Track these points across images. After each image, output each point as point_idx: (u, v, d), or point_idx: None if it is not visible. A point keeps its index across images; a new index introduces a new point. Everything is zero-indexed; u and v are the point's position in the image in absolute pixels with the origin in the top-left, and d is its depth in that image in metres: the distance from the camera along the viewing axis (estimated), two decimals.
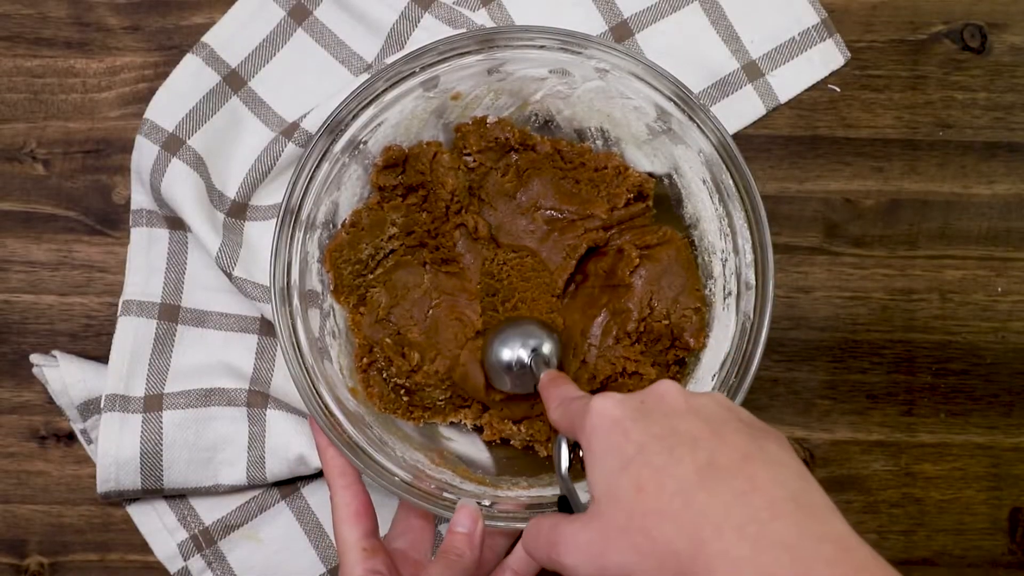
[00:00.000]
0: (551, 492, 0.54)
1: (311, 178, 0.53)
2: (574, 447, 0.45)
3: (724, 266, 0.56)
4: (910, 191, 0.63)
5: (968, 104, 0.64)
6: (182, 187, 0.59)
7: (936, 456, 0.62)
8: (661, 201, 0.60)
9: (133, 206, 0.61)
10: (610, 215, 0.59)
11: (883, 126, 0.63)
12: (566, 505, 0.44)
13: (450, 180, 0.57)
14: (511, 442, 0.58)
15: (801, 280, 0.63)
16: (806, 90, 0.63)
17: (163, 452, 0.58)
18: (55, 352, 0.61)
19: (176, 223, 0.61)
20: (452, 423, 0.59)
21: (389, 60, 0.61)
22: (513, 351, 0.55)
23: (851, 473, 0.62)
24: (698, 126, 0.53)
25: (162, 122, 0.60)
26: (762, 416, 0.62)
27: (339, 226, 0.58)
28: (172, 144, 0.59)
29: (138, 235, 0.61)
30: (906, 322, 0.63)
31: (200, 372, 0.60)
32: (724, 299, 0.56)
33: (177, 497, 0.61)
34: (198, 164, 0.60)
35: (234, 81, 0.62)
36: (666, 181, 0.59)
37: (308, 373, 0.52)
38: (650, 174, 0.59)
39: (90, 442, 0.61)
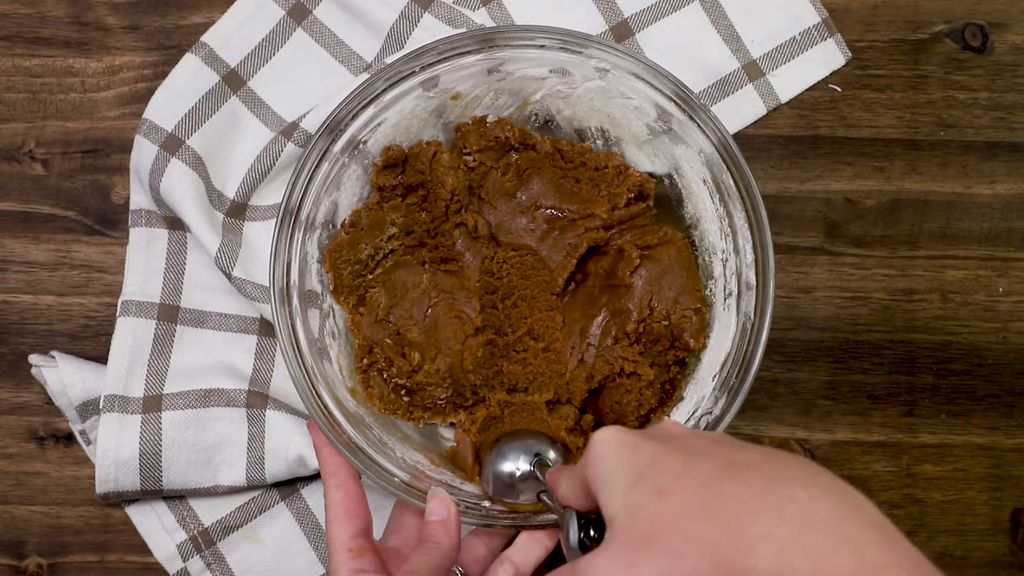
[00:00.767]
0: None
1: (310, 178, 0.53)
2: (584, 524, 0.43)
3: (725, 266, 0.56)
4: (911, 191, 0.63)
5: (969, 104, 0.63)
6: (181, 187, 0.59)
7: (937, 457, 0.62)
8: (661, 201, 0.59)
9: (132, 206, 0.61)
10: (610, 215, 0.58)
11: (884, 126, 0.63)
12: None
13: (450, 179, 0.57)
14: None
15: (802, 280, 0.63)
16: (807, 90, 0.63)
17: (162, 453, 0.58)
18: (54, 353, 0.61)
19: (175, 223, 0.61)
20: (452, 423, 0.59)
21: (389, 60, 0.61)
22: (515, 462, 0.53)
23: (852, 474, 0.62)
24: (699, 126, 0.53)
25: (161, 122, 0.60)
26: (763, 416, 0.62)
27: (339, 226, 0.57)
28: (171, 144, 0.59)
29: (137, 235, 0.61)
30: (907, 322, 0.63)
31: (199, 373, 0.60)
32: (724, 299, 0.56)
33: (176, 498, 0.60)
34: (197, 164, 0.60)
35: (233, 81, 0.62)
36: (666, 181, 0.59)
37: (307, 374, 0.52)
38: (650, 174, 0.59)
39: (89, 443, 0.60)
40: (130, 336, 0.60)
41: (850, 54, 0.63)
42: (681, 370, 0.58)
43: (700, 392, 0.55)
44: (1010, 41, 0.64)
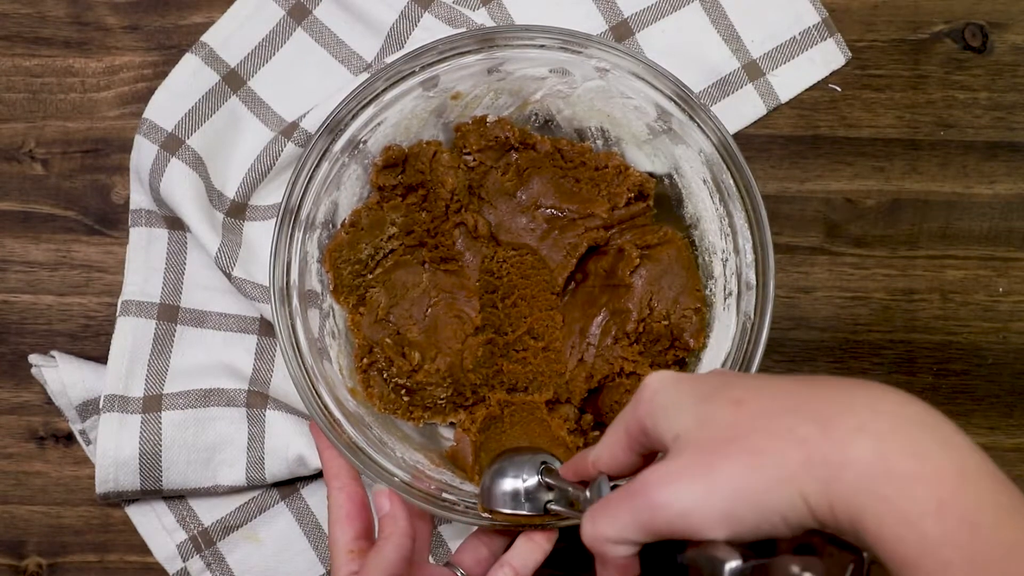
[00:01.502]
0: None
1: (310, 178, 0.53)
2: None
3: (725, 266, 0.56)
4: (911, 191, 0.63)
5: (969, 104, 0.63)
6: (181, 187, 0.59)
7: None
8: (661, 201, 0.59)
9: (132, 206, 0.61)
10: (610, 214, 0.58)
11: (884, 126, 0.63)
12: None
13: (450, 179, 0.57)
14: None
15: (802, 280, 0.63)
16: (807, 90, 0.63)
17: (162, 453, 0.58)
18: (54, 352, 0.61)
19: (175, 223, 0.61)
20: (452, 423, 0.59)
21: (389, 59, 0.61)
22: (517, 477, 0.50)
23: None
24: (698, 126, 0.53)
25: (161, 122, 0.60)
26: None
27: (338, 226, 0.57)
28: (171, 144, 0.59)
29: (137, 235, 0.61)
30: (907, 322, 0.63)
31: (199, 372, 0.60)
32: (725, 299, 0.56)
33: (176, 498, 0.60)
34: (197, 164, 0.60)
35: (233, 81, 0.62)
36: (666, 181, 0.59)
37: (307, 373, 0.52)
38: (650, 174, 0.59)
39: (89, 443, 0.60)
40: (130, 336, 0.60)
41: (850, 54, 0.63)
42: (681, 370, 0.58)
43: None
44: (1010, 41, 0.64)
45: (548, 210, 0.60)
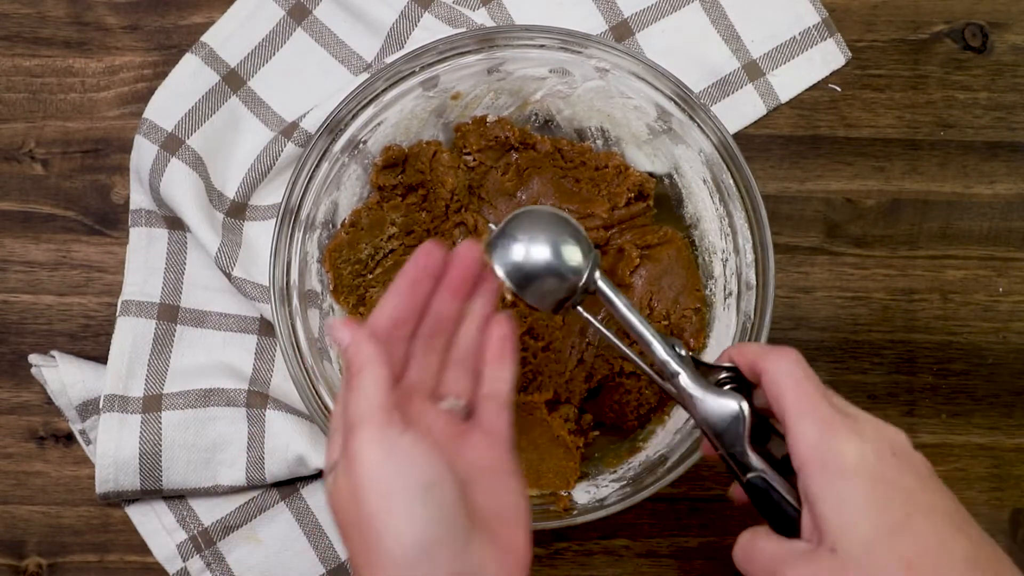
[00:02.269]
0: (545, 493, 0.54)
1: (310, 178, 0.53)
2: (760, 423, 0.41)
3: (725, 266, 0.56)
4: (911, 191, 0.63)
5: (969, 104, 0.63)
6: (181, 187, 0.59)
7: (937, 457, 0.62)
8: (661, 201, 0.60)
9: (132, 206, 0.61)
10: (610, 214, 0.58)
11: (884, 126, 0.63)
12: (758, 494, 0.40)
13: (450, 179, 0.57)
14: None
15: (802, 280, 0.63)
16: (807, 90, 0.63)
17: (162, 453, 0.58)
18: (54, 352, 0.61)
19: (175, 223, 0.61)
20: None
21: (389, 59, 0.61)
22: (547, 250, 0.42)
23: None
24: (698, 126, 0.53)
25: (161, 122, 0.60)
26: None
27: (338, 226, 0.57)
28: (171, 144, 0.59)
29: (137, 235, 0.61)
30: (907, 322, 0.63)
31: (199, 372, 0.60)
32: (725, 299, 0.56)
33: (176, 498, 0.60)
34: (197, 164, 0.60)
35: (233, 81, 0.62)
36: (666, 181, 0.59)
37: (308, 373, 0.52)
38: (650, 174, 0.59)
39: (89, 443, 0.60)
40: (130, 336, 0.60)
41: (850, 54, 0.63)
42: None
43: None
44: (1010, 41, 0.64)
45: None
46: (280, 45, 0.62)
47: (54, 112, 0.63)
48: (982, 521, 0.62)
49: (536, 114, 0.60)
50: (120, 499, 0.60)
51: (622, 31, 0.63)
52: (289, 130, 0.60)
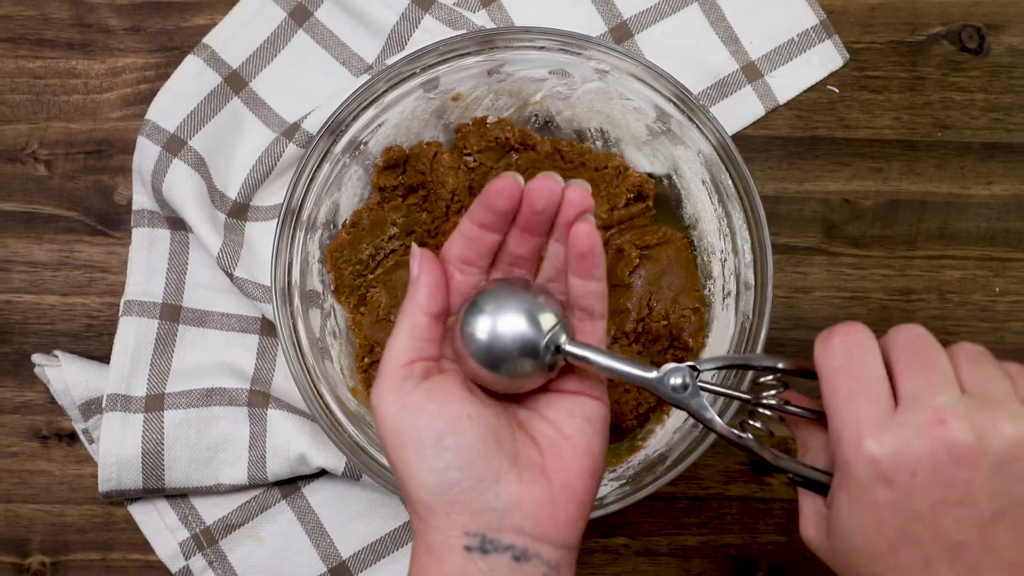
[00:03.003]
0: None
1: (312, 179, 0.53)
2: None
3: (723, 266, 0.56)
4: (909, 192, 0.63)
5: (966, 105, 0.64)
6: (183, 188, 0.59)
7: None
8: (661, 201, 0.60)
9: (134, 207, 0.62)
10: (610, 215, 0.59)
11: (882, 127, 0.64)
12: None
13: (450, 180, 0.57)
14: None
15: (800, 280, 0.63)
16: (805, 91, 0.64)
17: (164, 452, 0.58)
18: (57, 352, 0.61)
19: (177, 223, 0.61)
20: None
21: (390, 61, 0.61)
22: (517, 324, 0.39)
23: None
24: (697, 127, 0.54)
25: (163, 123, 0.60)
26: None
27: (340, 226, 0.58)
28: (173, 145, 0.60)
29: (139, 235, 0.61)
30: (905, 322, 0.63)
31: (201, 372, 0.60)
32: (723, 299, 0.56)
33: (178, 496, 0.61)
34: (199, 165, 0.60)
35: (235, 82, 0.62)
36: (666, 182, 0.59)
37: (309, 373, 0.52)
38: (650, 174, 0.59)
39: (92, 442, 0.61)
40: (132, 335, 0.60)
41: (848, 55, 0.64)
42: None
43: None
44: (1006, 43, 0.64)
45: None
46: (282, 47, 0.63)
47: (57, 113, 0.63)
48: None
49: (536, 115, 0.60)
50: (123, 498, 0.60)
51: (621, 33, 0.63)
52: (291, 131, 0.61)
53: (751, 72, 0.63)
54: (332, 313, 0.57)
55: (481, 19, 0.62)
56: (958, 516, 0.33)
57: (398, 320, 0.40)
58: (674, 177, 0.59)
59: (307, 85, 0.62)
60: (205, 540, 0.61)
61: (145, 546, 0.61)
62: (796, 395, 0.41)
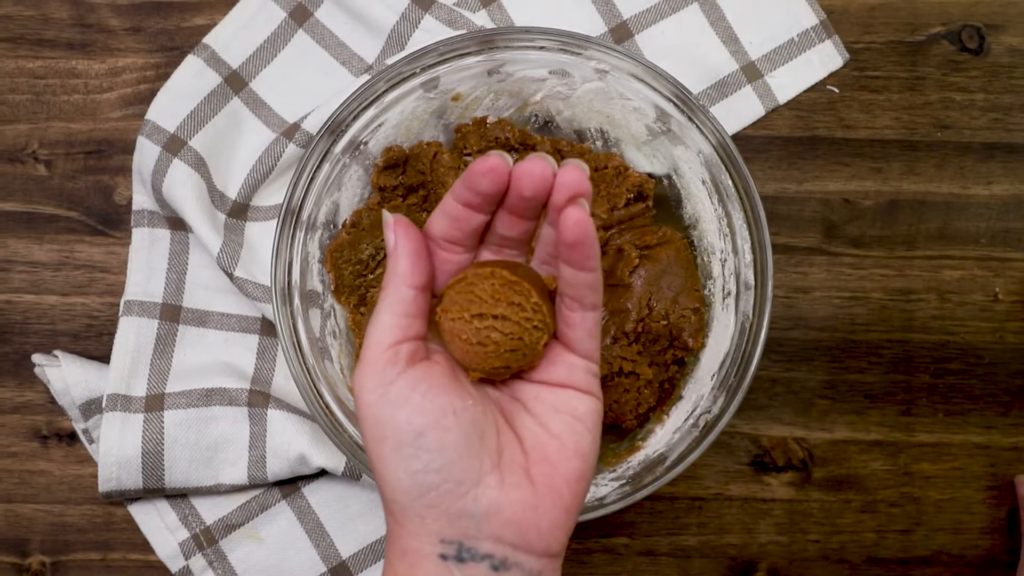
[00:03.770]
0: None
1: (312, 179, 0.53)
2: None
3: (723, 266, 0.56)
4: (908, 192, 0.64)
5: (966, 105, 0.64)
6: (183, 188, 0.59)
7: (934, 456, 0.63)
8: (661, 201, 0.60)
9: (134, 207, 0.62)
10: (610, 215, 0.59)
11: (882, 127, 0.64)
12: None
13: (450, 180, 0.57)
14: None
15: (800, 280, 0.63)
16: (805, 91, 0.64)
17: (164, 452, 0.58)
18: (57, 352, 0.61)
19: (177, 223, 0.61)
20: None
21: (390, 61, 0.61)
22: None
23: (850, 473, 0.62)
24: (697, 127, 0.54)
25: (163, 123, 0.60)
26: (761, 415, 0.62)
27: (340, 226, 0.58)
28: (173, 145, 0.60)
29: (139, 235, 0.61)
30: (904, 322, 0.63)
31: (201, 372, 0.60)
32: (723, 299, 0.56)
33: (178, 496, 0.61)
34: (199, 165, 0.60)
35: (235, 82, 0.62)
36: (665, 182, 0.59)
37: (309, 373, 0.52)
38: (650, 174, 0.59)
39: (92, 442, 0.61)
40: (132, 336, 0.60)
41: (848, 55, 0.64)
42: (680, 369, 0.58)
43: (699, 391, 0.55)
44: (1006, 43, 0.64)
45: None
46: (282, 47, 0.63)
47: (57, 113, 0.63)
48: (979, 520, 0.63)
49: (536, 115, 0.60)
50: (123, 498, 0.60)
51: (621, 33, 0.63)
52: (290, 131, 0.61)
53: (751, 72, 0.63)
54: (332, 313, 0.57)
55: (481, 19, 0.62)
56: None
57: (380, 298, 0.37)
58: (674, 177, 0.59)
59: (307, 85, 0.62)
60: (205, 540, 0.61)
61: (145, 546, 0.61)
62: None
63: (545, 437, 0.38)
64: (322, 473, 0.61)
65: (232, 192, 0.61)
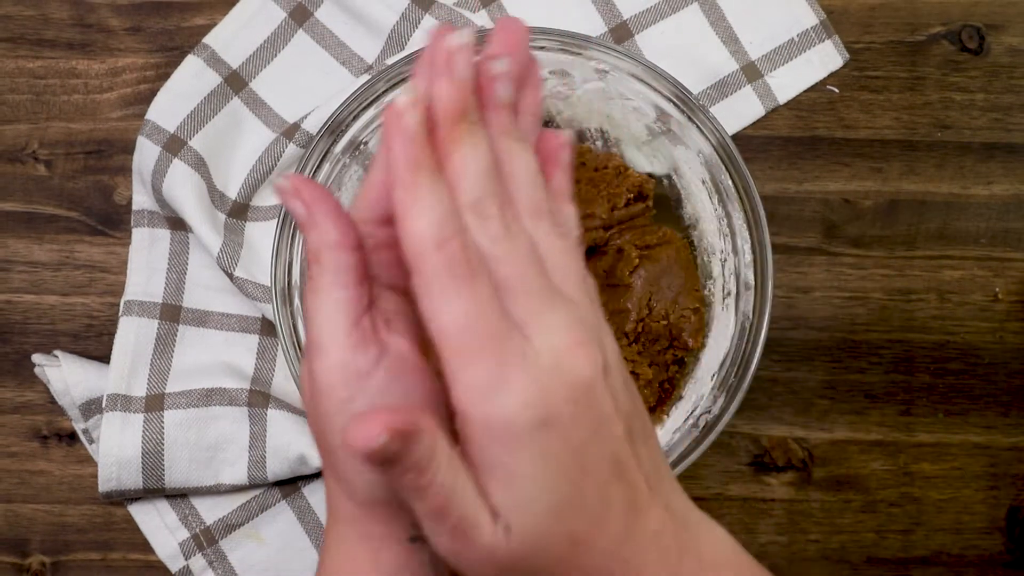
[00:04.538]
0: None
1: (312, 178, 0.53)
2: None
3: (723, 266, 0.56)
4: (909, 192, 0.64)
5: (966, 105, 0.64)
6: (183, 188, 0.59)
7: (934, 456, 0.63)
8: (661, 201, 0.60)
9: (134, 207, 0.62)
10: (610, 215, 0.59)
11: (882, 127, 0.64)
12: None
13: None
14: None
15: (800, 280, 0.63)
16: (805, 91, 0.64)
17: (164, 452, 0.58)
18: (57, 352, 0.61)
19: (177, 223, 0.61)
20: None
21: (390, 61, 0.61)
22: None
23: (850, 473, 0.62)
24: (697, 127, 0.54)
25: (163, 123, 0.60)
26: (761, 415, 0.62)
27: None
28: (173, 145, 0.60)
29: (139, 235, 0.61)
30: (904, 322, 0.63)
31: (201, 372, 0.60)
32: (723, 299, 0.56)
33: (178, 496, 0.61)
34: (199, 165, 0.60)
35: (235, 82, 0.62)
36: (666, 182, 0.59)
37: None
38: (650, 175, 0.59)
39: (92, 442, 0.61)
40: (132, 336, 0.60)
41: (848, 55, 0.64)
42: (680, 369, 0.58)
43: (699, 391, 0.55)
44: (1006, 43, 0.64)
45: None
46: (282, 47, 0.63)
47: (57, 113, 0.63)
48: (979, 519, 0.63)
49: None
50: (123, 498, 0.60)
51: (621, 33, 0.63)
52: (291, 131, 0.61)
53: (751, 72, 0.63)
54: None
55: (481, 19, 0.62)
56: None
57: (314, 287, 0.31)
58: (674, 177, 0.59)
59: (307, 85, 0.62)
60: (205, 540, 0.61)
61: (145, 546, 0.61)
62: None
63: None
64: (322, 473, 0.61)
65: (232, 192, 0.61)
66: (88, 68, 0.63)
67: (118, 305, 0.61)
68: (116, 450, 0.58)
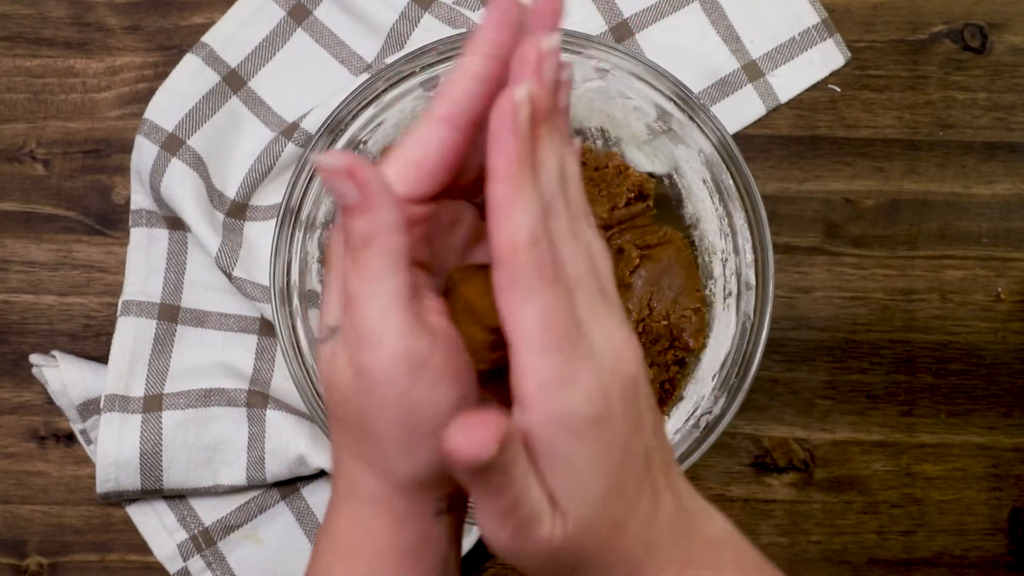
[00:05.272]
0: None
1: (311, 178, 0.53)
2: None
3: (724, 266, 0.56)
4: (910, 191, 0.63)
5: (968, 104, 0.64)
6: (182, 187, 0.59)
7: (936, 456, 0.62)
8: (661, 201, 0.60)
9: (133, 206, 0.61)
10: (611, 215, 0.59)
11: (883, 126, 0.63)
12: None
13: None
14: None
15: (801, 280, 0.63)
16: (806, 90, 0.63)
17: (162, 452, 0.58)
18: (55, 352, 0.61)
19: (176, 223, 0.61)
20: None
21: (389, 60, 0.61)
22: None
23: (851, 473, 0.62)
24: (698, 126, 0.53)
25: (162, 122, 0.60)
26: (762, 416, 0.62)
27: None
28: (172, 144, 0.59)
29: (138, 235, 0.61)
30: (906, 322, 0.63)
31: (200, 372, 0.60)
32: (724, 299, 0.56)
33: (177, 497, 0.60)
34: (198, 164, 0.60)
35: (234, 81, 0.62)
36: (666, 181, 0.59)
37: (308, 373, 0.52)
38: (650, 174, 0.59)
39: (90, 442, 0.61)
40: (131, 336, 0.60)
41: (849, 54, 0.63)
42: (681, 370, 0.58)
43: (700, 392, 0.55)
44: (1009, 42, 0.64)
45: None
46: (280, 45, 0.62)
47: (55, 112, 0.63)
48: (982, 520, 0.62)
49: None
50: (121, 499, 0.60)
51: (622, 32, 0.63)
52: (289, 130, 0.60)
53: (752, 71, 0.63)
54: None
55: (481, 17, 0.62)
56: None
57: (363, 268, 0.29)
58: (675, 177, 0.59)
59: (306, 84, 0.62)
60: (204, 541, 0.60)
61: (143, 547, 0.61)
62: None
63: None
64: (321, 474, 0.61)
65: (231, 191, 0.61)
66: (86, 67, 0.63)
67: (116, 305, 0.61)
68: (114, 451, 0.58)
